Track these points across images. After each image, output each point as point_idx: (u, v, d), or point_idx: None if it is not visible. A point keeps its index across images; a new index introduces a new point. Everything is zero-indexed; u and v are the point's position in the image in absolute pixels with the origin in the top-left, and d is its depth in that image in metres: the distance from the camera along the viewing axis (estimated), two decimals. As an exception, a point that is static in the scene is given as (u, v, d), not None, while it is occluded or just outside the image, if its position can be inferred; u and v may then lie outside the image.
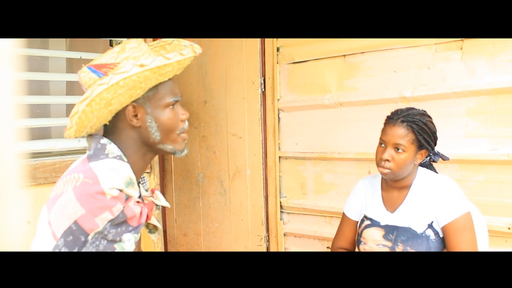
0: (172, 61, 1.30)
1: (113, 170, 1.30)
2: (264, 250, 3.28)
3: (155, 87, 1.36)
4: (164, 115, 1.38)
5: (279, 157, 3.18)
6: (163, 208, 3.88)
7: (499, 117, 2.28)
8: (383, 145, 1.88)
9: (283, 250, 3.21)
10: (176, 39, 1.51)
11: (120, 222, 1.29)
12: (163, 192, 3.88)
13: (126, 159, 1.36)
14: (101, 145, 1.35)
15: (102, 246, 1.26)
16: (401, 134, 1.82)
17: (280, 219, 3.20)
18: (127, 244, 1.30)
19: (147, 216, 1.41)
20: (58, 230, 1.24)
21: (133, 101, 1.35)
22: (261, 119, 3.21)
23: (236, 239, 3.44)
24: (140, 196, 1.44)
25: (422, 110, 1.91)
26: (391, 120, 1.88)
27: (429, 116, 1.91)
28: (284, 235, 3.21)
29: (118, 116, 1.37)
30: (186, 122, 1.44)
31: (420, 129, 1.83)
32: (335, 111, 2.88)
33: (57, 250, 1.23)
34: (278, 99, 3.13)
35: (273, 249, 3.25)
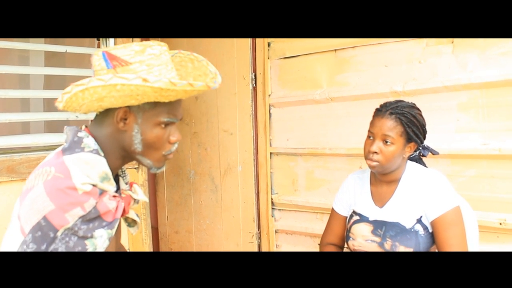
0: (176, 88, 1.24)
1: (88, 164, 1.27)
2: (256, 247, 3.25)
3: (154, 102, 1.31)
4: (152, 132, 1.33)
5: (270, 153, 3.15)
6: (155, 205, 3.85)
7: (490, 111, 2.25)
8: (371, 137, 1.85)
9: (275, 247, 3.18)
10: (205, 60, 1.46)
11: (92, 218, 1.24)
12: (155, 189, 3.85)
13: (102, 154, 1.32)
14: (78, 138, 1.31)
15: (72, 243, 1.21)
16: (390, 126, 1.80)
17: (272, 216, 3.17)
18: (99, 240, 1.26)
19: (124, 211, 1.36)
20: (27, 225, 1.20)
21: (127, 106, 1.30)
22: (252, 115, 3.18)
23: (227, 237, 3.41)
24: (118, 190, 1.40)
25: (411, 102, 1.89)
26: (379, 112, 1.85)
27: (418, 109, 1.88)
28: (276, 232, 3.18)
29: (109, 111, 1.33)
30: (175, 145, 1.39)
31: (409, 122, 1.80)
32: (326, 107, 2.85)
33: (24, 246, 1.19)
34: (269, 95, 3.10)
35: (264, 246, 3.23)
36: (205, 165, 3.51)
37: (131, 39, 2.52)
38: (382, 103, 1.89)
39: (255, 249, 3.25)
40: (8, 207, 2.13)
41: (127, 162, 1.42)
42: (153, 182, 3.86)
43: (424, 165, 1.99)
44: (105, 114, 1.34)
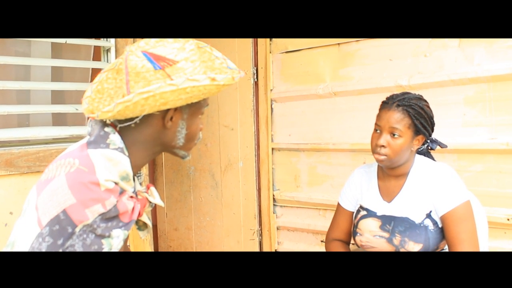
0: (233, 82, 1.29)
1: (111, 161, 1.23)
2: (257, 244, 3.21)
3: None
4: (195, 125, 1.37)
5: (272, 148, 3.11)
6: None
7: (498, 105, 2.22)
8: (378, 131, 1.81)
9: (276, 244, 3.14)
10: (208, 46, 1.46)
11: (111, 217, 1.21)
12: (154, 185, 3.80)
13: (127, 153, 1.28)
14: (104, 133, 1.28)
15: (89, 240, 1.18)
16: (397, 118, 1.75)
17: (273, 213, 3.13)
18: (115, 240, 1.22)
19: (139, 213, 1.33)
20: (45, 217, 1.16)
21: None
22: (253, 110, 3.14)
23: (228, 233, 3.37)
24: (134, 191, 1.36)
25: (418, 94, 1.85)
26: (386, 104, 1.81)
27: (425, 101, 1.84)
28: (277, 228, 3.15)
29: (153, 113, 1.29)
30: (200, 133, 1.43)
31: (417, 113, 1.76)
32: (330, 101, 2.81)
33: (40, 239, 1.15)
34: (271, 90, 3.06)
35: (266, 243, 3.19)
36: (205, 161, 3.47)
37: (132, 39, 2.48)
38: (388, 96, 1.85)
39: (256, 247, 3.21)
40: (5, 202, 2.09)
41: (152, 158, 1.40)
42: (152, 178, 3.81)
43: (433, 159, 1.95)
44: (145, 116, 1.29)
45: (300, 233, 3.04)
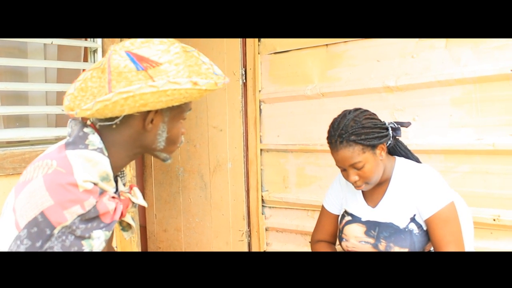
0: (216, 88, 1.28)
1: (90, 161, 1.22)
2: (246, 245, 3.20)
3: None
4: (176, 128, 1.35)
5: (261, 149, 3.11)
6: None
7: (484, 106, 2.22)
8: (344, 169, 1.79)
9: (265, 245, 3.14)
10: (196, 51, 1.47)
11: (91, 218, 1.20)
12: (143, 187, 3.79)
13: (106, 153, 1.27)
14: (83, 134, 1.26)
15: (68, 242, 1.16)
16: (348, 154, 1.72)
17: (262, 214, 3.13)
18: (96, 241, 1.21)
19: (122, 213, 1.31)
20: (22, 220, 1.15)
21: None
22: (242, 111, 3.14)
23: (217, 235, 3.36)
24: (116, 191, 1.35)
25: (353, 111, 1.79)
26: (331, 145, 1.77)
27: (362, 112, 1.79)
28: (266, 229, 3.14)
29: (134, 114, 1.28)
30: (183, 137, 1.42)
31: (360, 136, 1.71)
32: (318, 102, 2.81)
33: (18, 242, 1.14)
34: (260, 90, 3.06)
35: (254, 244, 3.18)
36: (194, 162, 3.46)
37: (119, 39, 2.47)
38: (327, 134, 1.80)
39: (245, 247, 3.21)
40: (-9, 204, 2.07)
41: (133, 159, 1.39)
42: (141, 180, 3.80)
43: (417, 159, 1.95)
44: (125, 117, 1.28)
45: (289, 234, 3.04)
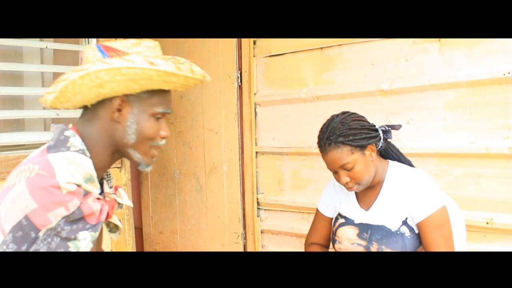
0: (180, 73, 1.26)
1: (73, 163, 1.22)
2: (241, 247, 3.21)
3: (152, 91, 1.30)
4: (147, 122, 1.32)
5: (256, 152, 3.12)
6: (139, 205, 3.79)
7: (477, 109, 2.24)
8: (335, 172, 1.81)
9: (260, 248, 3.15)
10: (188, 62, 1.44)
11: (76, 219, 1.20)
12: (139, 189, 3.80)
13: (89, 154, 1.28)
14: (64, 137, 1.27)
15: (54, 244, 1.16)
16: (338, 156, 1.74)
17: (257, 216, 3.14)
18: (82, 243, 1.21)
19: (108, 214, 1.32)
20: (7, 225, 1.15)
21: (124, 95, 1.28)
22: (237, 113, 3.14)
23: (212, 237, 3.37)
24: (102, 193, 1.36)
25: (340, 114, 1.82)
26: (321, 148, 1.80)
27: (349, 114, 1.81)
28: (261, 232, 3.15)
29: (103, 103, 1.30)
30: (164, 140, 1.38)
31: (348, 138, 1.73)
32: (312, 105, 2.82)
33: (4, 246, 1.14)
34: (255, 93, 3.07)
35: (250, 246, 3.19)
36: (190, 165, 3.46)
37: (114, 39, 2.47)
38: (318, 135, 1.83)
39: (241, 250, 3.21)
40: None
41: (116, 160, 1.39)
42: (137, 182, 3.80)
43: (410, 162, 1.96)
44: (96, 107, 1.31)
45: (284, 236, 3.04)
